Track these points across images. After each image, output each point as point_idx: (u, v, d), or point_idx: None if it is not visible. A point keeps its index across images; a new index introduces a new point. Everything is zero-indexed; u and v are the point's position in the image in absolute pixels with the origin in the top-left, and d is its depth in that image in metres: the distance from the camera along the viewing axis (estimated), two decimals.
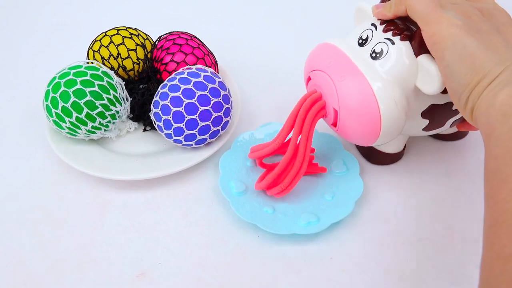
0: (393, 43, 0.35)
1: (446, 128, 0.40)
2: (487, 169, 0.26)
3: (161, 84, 0.43)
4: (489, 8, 0.32)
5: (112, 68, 0.47)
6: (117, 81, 0.43)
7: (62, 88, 0.41)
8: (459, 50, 0.29)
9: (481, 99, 0.28)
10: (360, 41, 0.37)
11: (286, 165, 0.38)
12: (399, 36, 0.34)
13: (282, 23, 0.65)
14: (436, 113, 0.37)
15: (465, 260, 0.37)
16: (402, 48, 0.34)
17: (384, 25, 0.36)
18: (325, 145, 0.45)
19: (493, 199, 0.24)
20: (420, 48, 0.33)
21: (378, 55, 0.35)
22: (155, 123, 0.42)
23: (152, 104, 0.42)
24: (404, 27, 0.35)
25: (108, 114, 0.42)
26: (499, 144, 0.25)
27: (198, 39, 0.48)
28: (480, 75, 0.28)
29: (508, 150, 0.25)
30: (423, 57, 0.33)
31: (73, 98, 0.40)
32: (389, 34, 0.35)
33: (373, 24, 0.37)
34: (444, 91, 0.35)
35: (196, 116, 0.40)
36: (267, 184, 0.39)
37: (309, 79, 0.39)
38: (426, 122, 0.38)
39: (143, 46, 0.48)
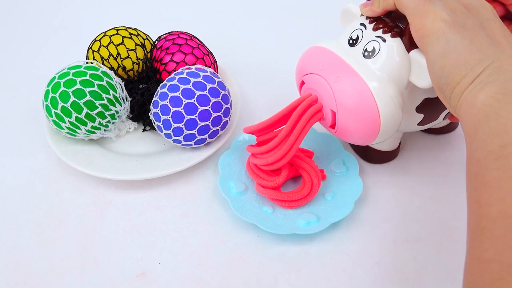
0: (384, 40, 0.35)
1: (440, 121, 0.41)
2: (469, 172, 0.26)
3: (161, 84, 0.43)
4: (474, 4, 0.32)
5: (111, 68, 0.47)
6: (117, 81, 0.43)
7: (62, 88, 0.41)
8: (442, 46, 0.29)
9: (463, 98, 0.28)
10: (351, 41, 0.37)
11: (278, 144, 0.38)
12: (390, 33, 0.35)
13: (282, 22, 0.65)
14: (430, 106, 0.38)
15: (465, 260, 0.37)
16: (393, 45, 0.34)
17: (374, 23, 0.36)
18: (325, 145, 0.45)
19: (476, 203, 0.24)
20: (411, 43, 0.34)
21: (370, 53, 0.35)
22: (154, 123, 0.42)
23: (151, 104, 0.42)
24: (393, 24, 0.35)
25: (108, 114, 0.42)
26: (480, 146, 0.25)
27: (197, 39, 0.48)
28: (462, 74, 0.28)
29: (488, 153, 0.24)
30: (415, 52, 0.34)
31: (72, 98, 0.40)
32: (379, 32, 0.35)
33: (362, 24, 0.37)
34: None
35: (196, 116, 0.40)
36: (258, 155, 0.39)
37: (302, 83, 0.39)
38: (421, 116, 0.38)
39: (143, 46, 0.48)
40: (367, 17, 0.37)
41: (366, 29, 0.36)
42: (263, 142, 0.41)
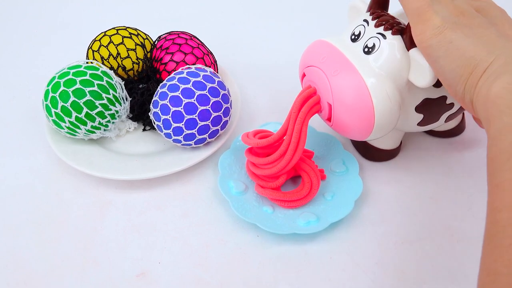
0: (384, 37, 0.35)
1: (441, 124, 0.41)
2: (487, 171, 0.24)
3: (161, 84, 0.43)
4: (485, 6, 0.31)
5: (111, 68, 0.47)
6: (117, 81, 0.43)
7: (62, 88, 0.41)
8: (444, 46, 0.28)
9: (477, 90, 0.27)
10: (353, 36, 0.37)
11: (278, 158, 0.38)
12: (391, 31, 0.35)
13: (282, 22, 0.65)
14: (430, 107, 0.37)
15: (465, 260, 0.37)
16: (393, 42, 0.34)
17: (376, 20, 0.36)
18: (325, 145, 0.45)
19: (489, 206, 0.23)
20: (412, 41, 0.33)
21: (370, 49, 0.35)
22: (154, 122, 0.42)
23: (151, 104, 0.42)
24: (395, 21, 0.35)
25: (108, 114, 0.42)
26: (494, 144, 0.24)
27: (197, 38, 0.48)
28: (471, 66, 0.27)
29: (501, 151, 0.23)
30: (414, 51, 0.33)
31: (72, 98, 0.40)
32: (380, 29, 0.35)
33: (365, 20, 0.37)
34: (437, 85, 0.35)
35: (196, 116, 0.40)
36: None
37: (303, 75, 0.40)
38: (420, 116, 0.38)
39: (143, 46, 0.48)
40: (371, 14, 0.37)
41: (368, 25, 0.36)
42: (263, 152, 0.40)
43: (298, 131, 0.37)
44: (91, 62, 0.44)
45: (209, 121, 0.41)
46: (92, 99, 0.41)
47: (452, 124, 0.45)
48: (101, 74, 0.42)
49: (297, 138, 0.37)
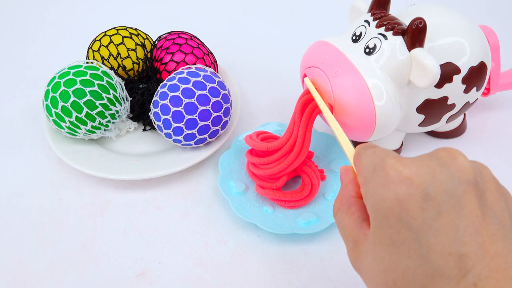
0: (386, 38, 0.35)
1: (443, 124, 0.40)
2: None
3: (161, 84, 0.43)
4: None
5: (112, 68, 0.47)
6: (117, 81, 0.43)
7: (62, 88, 0.41)
8: None
9: None
10: (354, 37, 0.37)
11: (279, 158, 0.38)
12: (392, 31, 0.35)
13: (282, 23, 0.65)
14: (431, 108, 0.37)
15: None
16: (395, 43, 0.34)
17: (377, 20, 0.36)
18: (325, 145, 0.45)
19: None
20: (413, 42, 0.33)
21: (371, 50, 0.35)
22: (154, 122, 0.42)
23: (151, 104, 0.42)
24: (396, 22, 0.35)
25: (108, 114, 0.42)
26: None
27: (197, 38, 0.48)
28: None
29: None
30: (416, 51, 0.33)
31: (73, 98, 0.40)
32: (382, 30, 0.35)
33: (366, 21, 0.37)
34: (438, 85, 0.35)
35: (196, 116, 0.40)
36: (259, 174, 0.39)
37: (304, 76, 0.40)
38: (421, 117, 0.38)
39: (143, 45, 0.48)
40: (372, 14, 0.37)
41: (369, 25, 0.36)
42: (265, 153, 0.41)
43: (302, 137, 0.37)
44: (91, 62, 0.44)
45: (209, 121, 0.41)
46: (93, 99, 0.41)
47: (454, 125, 0.45)
48: (101, 74, 0.42)
49: (301, 143, 0.37)
